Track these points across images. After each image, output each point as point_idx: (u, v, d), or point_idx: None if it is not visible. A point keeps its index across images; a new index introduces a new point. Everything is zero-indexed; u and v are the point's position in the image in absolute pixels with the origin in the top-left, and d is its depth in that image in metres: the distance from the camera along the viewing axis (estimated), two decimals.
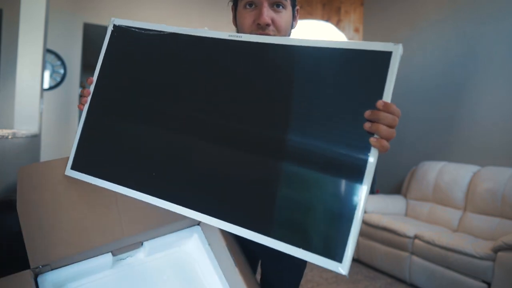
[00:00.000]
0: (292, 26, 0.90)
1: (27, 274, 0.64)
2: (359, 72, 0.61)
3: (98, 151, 0.81)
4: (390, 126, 0.58)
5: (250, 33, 0.82)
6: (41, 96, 2.56)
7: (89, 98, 0.84)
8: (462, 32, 3.15)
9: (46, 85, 2.72)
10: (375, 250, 2.96)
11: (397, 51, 0.59)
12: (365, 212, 3.09)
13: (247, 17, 0.83)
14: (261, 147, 0.66)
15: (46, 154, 2.91)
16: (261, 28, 0.82)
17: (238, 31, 0.88)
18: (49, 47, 3.23)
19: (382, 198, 3.33)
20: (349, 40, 0.56)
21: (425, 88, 3.45)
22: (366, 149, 0.58)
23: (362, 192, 0.57)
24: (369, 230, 3.03)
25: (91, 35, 3.74)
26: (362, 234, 3.11)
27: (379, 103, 0.58)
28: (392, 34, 3.84)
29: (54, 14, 3.07)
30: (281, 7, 0.83)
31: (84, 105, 0.85)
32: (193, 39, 0.78)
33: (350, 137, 0.60)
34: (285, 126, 0.64)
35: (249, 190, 0.65)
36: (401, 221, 2.88)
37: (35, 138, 2.44)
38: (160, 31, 0.81)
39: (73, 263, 0.77)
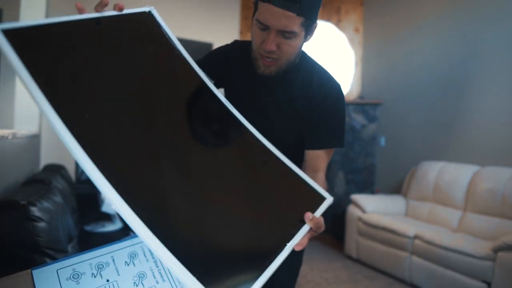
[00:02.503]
0: (305, 40, 0.91)
1: (27, 274, 0.64)
2: None
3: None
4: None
5: (258, 51, 0.88)
6: None
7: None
8: (462, 32, 3.15)
9: None
10: (375, 250, 2.96)
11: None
12: (365, 212, 3.10)
13: (258, 36, 0.86)
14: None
15: (46, 154, 2.91)
16: (265, 52, 0.86)
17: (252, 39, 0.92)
18: None
19: (382, 198, 3.33)
20: None
21: (425, 88, 3.45)
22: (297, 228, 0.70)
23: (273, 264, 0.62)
24: (369, 230, 3.03)
25: None
26: (362, 234, 3.11)
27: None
28: (392, 34, 3.84)
29: (54, 14, 3.07)
30: (291, 36, 0.84)
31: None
32: None
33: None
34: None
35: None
36: (401, 221, 2.89)
37: (35, 138, 2.44)
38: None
39: None
